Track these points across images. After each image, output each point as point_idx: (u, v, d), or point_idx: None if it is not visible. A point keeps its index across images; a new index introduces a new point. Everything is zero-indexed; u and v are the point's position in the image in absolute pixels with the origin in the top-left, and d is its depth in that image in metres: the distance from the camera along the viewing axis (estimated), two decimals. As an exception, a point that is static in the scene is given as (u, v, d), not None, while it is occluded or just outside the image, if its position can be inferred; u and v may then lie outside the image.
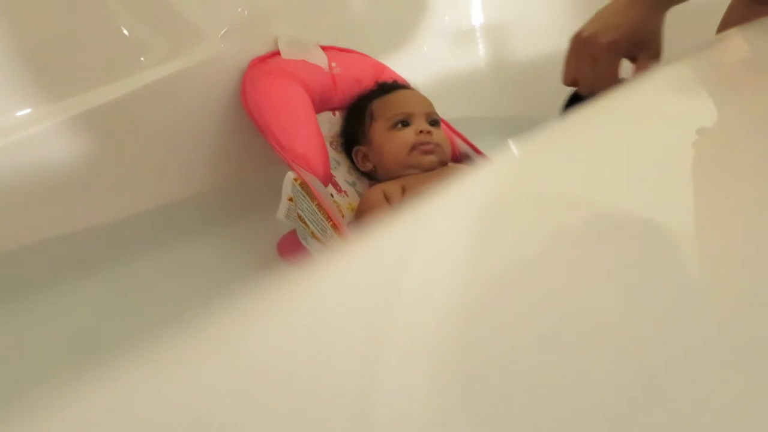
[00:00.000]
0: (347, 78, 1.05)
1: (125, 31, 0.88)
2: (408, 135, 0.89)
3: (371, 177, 0.97)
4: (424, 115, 0.92)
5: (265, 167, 0.98)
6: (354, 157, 0.96)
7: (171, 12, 0.92)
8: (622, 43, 0.66)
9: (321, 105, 1.01)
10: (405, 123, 0.91)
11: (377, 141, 0.92)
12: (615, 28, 0.66)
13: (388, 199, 0.84)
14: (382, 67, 1.12)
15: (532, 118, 0.79)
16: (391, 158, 0.90)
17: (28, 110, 0.80)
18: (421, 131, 0.89)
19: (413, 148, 0.88)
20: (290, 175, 0.80)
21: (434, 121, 0.94)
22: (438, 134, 0.91)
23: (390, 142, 0.90)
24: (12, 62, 0.79)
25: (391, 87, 1.00)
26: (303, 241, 0.86)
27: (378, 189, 0.87)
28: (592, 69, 0.67)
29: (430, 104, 0.96)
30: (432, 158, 0.89)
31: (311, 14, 1.13)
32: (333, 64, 1.04)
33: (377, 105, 0.95)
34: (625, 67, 0.69)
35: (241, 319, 0.19)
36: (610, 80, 0.67)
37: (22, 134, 0.78)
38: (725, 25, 0.78)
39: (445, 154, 0.92)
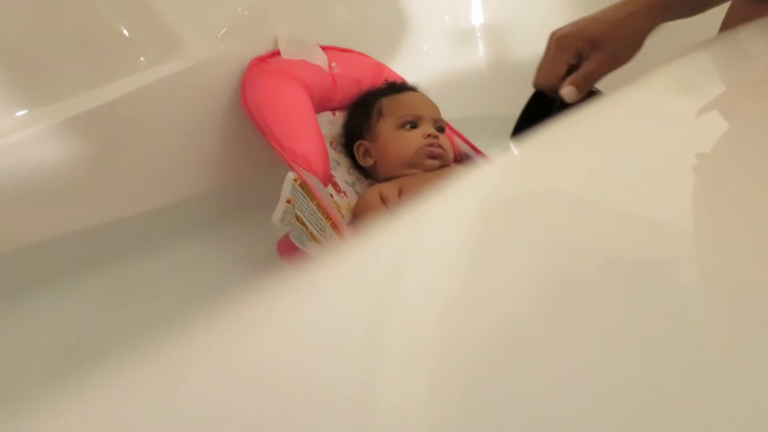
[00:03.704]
0: (347, 78, 1.05)
1: (125, 32, 0.88)
2: (416, 137, 0.90)
3: (370, 175, 0.97)
4: (431, 120, 0.94)
5: (265, 167, 0.98)
6: (355, 151, 0.96)
7: (171, 12, 0.92)
8: (573, 39, 0.63)
9: (321, 105, 1.01)
10: (413, 125, 0.92)
11: (383, 138, 0.92)
12: (576, 23, 0.64)
13: (384, 200, 0.84)
14: (382, 67, 1.12)
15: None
16: (396, 156, 0.90)
17: (27, 111, 0.80)
18: (428, 135, 0.90)
19: (419, 149, 0.89)
20: (290, 176, 0.80)
21: (440, 127, 0.95)
22: (443, 140, 0.93)
23: (397, 140, 0.91)
24: (11, 62, 0.79)
25: (401, 87, 1.01)
26: (298, 244, 0.85)
27: (374, 190, 0.87)
28: (544, 61, 0.65)
29: (437, 110, 0.97)
30: (435, 162, 0.90)
31: (311, 14, 1.13)
32: (333, 64, 1.04)
33: (386, 102, 0.95)
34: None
35: (240, 319, 0.19)
36: (554, 76, 0.64)
37: (22, 134, 0.78)
38: (727, 24, 0.78)
39: (448, 160, 0.93)
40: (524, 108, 0.72)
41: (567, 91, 0.63)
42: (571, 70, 0.64)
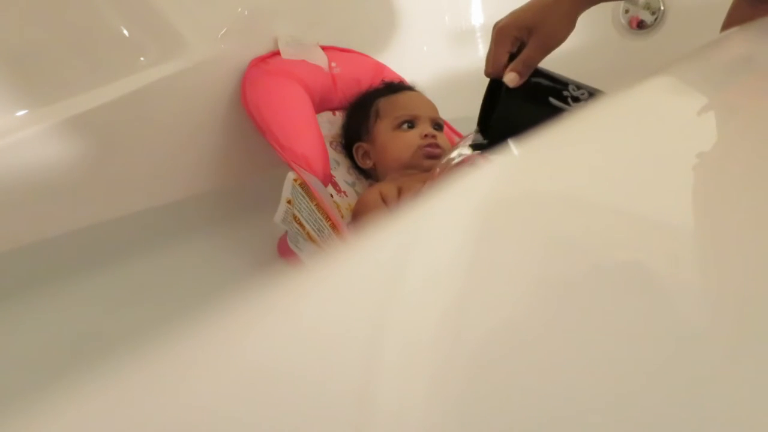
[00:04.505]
0: (347, 78, 1.05)
1: (125, 32, 0.88)
2: (413, 137, 0.90)
3: (369, 176, 0.97)
4: (429, 119, 0.93)
5: (266, 167, 0.98)
6: (354, 153, 0.96)
7: (171, 12, 0.92)
8: (510, 29, 0.68)
9: (321, 105, 1.01)
10: (410, 125, 0.92)
11: (381, 139, 0.92)
12: (512, 13, 0.69)
13: (384, 200, 0.84)
14: (382, 67, 1.12)
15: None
16: (394, 158, 0.90)
17: (27, 111, 0.80)
18: (426, 135, 0.90)
19: (417, 150, 0.89)
20: (290, 176, 0.80)
21: (438, 125, 0.94)
22: (441, 139, 0.92)
23: (394, 141, 0.91)
24: (11, 62, 0.79)
25: (398, 87, 1.01)
26: (293, 245, 0.85)
27: (374, 190, 0.87)
28: (489, 53, 0.71)
29: (435, 108, 0.97)
30: (434, 163, 0.90)
31: (311, 14, 1.13)
32: (333, 64, 1.04)
33: (383, 103, 0.95)
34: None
35: (240, 319, 0.19)
36: (498, 65, 0.70)
37: (22, 134, 0.78)
38: (728, 24, 0.78)
39: None
40: (483, 97, 0.78)
41: (509, 78, 0.68)
42: (515, 56, 0.70)
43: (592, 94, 0.74)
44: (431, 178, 0.77)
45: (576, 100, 0.71)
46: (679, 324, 0.19)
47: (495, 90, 0.74)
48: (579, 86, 0.73)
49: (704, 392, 0.16)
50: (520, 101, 0.70)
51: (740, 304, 0.20)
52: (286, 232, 0.92)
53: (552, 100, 0.71)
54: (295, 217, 0.82)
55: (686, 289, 0.21)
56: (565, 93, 0.72)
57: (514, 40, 0.68)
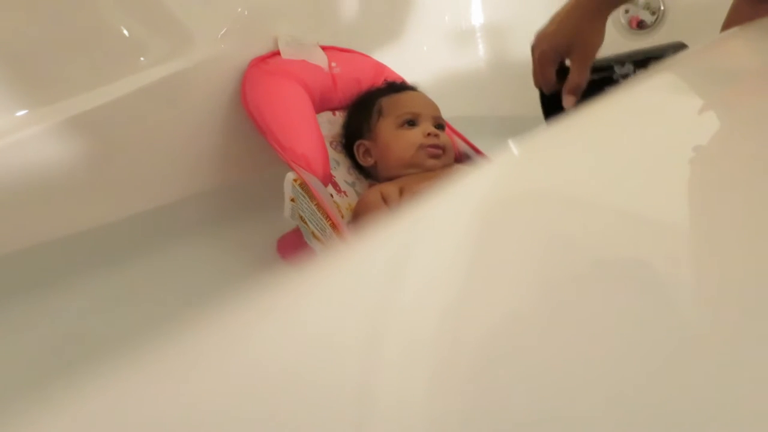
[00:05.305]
0: (347, 78, 1.05)
1: (125, 32, 0.88)
2: (415, 135, 0.90)
3: (370, 175, 0.97)
4: (431, 118, 0.94)
5: (265, 167, 0.98)
6: (356, 151, 0.96)
7: (171, 12, 0.92)
8: (551, 53, 0.75)
9: (321, 105, 1.01)
10: (412, 123, 0.92)
11: (383, 137, 0.92)
12: (545, 38, 0.75)
13: (385, 200, 0.84)
14: (382, 67, 1.12)
15: (532, 118, 0.80)
16: (396, 156, 0.90)
17: (27, 111, 0.80)
18: (429, 133, 0.90)
19: (419, 148, 0.89)
20: (290, 176, 0.80)
21: (440, 125, 0.95)
22: (443, 138, 0.92)
23: (396, 139, 0.91)
24: (11, 62, 0.79)
25: (400, 87, 1.01)
26: (308, 241, 0.86)
27: (375, 190, 0.87)
28: (535, 73, 0.78)
29: (437, 108, 0.97)
30: (436, 162, 0.90)
31: (311, 14, 1.13)
32: (333, 64, 1.04)
33: (386, 102, 0.95)
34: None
35: (240, 319, 0.19)
36: (549, 83, 0.77)
37: (22, 134, 0.78)
38: (728, 24, 0.78)
39: (449, 158, 0.93)
40: (542, 106, 0.83)
41: (568, 103, 0.76)
42: (559, 68, 0.77)
43: (636, 63, 0.76)
44: None
45: (626, 77, 0.75)
46: (679, 323, 0.19)
47: (551, 102, 0.80)
48: (622, 62, 0.77)
49: (704, 392, 0.16)
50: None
51: (740, 302, 0.20)
52: (287, 232, 0.92)
53: (607, 89, 0.75)
54: (300, 216, 0.82)
55: (686, 287, 0.21)
56: (615, 76, 0.75)
57: (556, 59, 0.76)
